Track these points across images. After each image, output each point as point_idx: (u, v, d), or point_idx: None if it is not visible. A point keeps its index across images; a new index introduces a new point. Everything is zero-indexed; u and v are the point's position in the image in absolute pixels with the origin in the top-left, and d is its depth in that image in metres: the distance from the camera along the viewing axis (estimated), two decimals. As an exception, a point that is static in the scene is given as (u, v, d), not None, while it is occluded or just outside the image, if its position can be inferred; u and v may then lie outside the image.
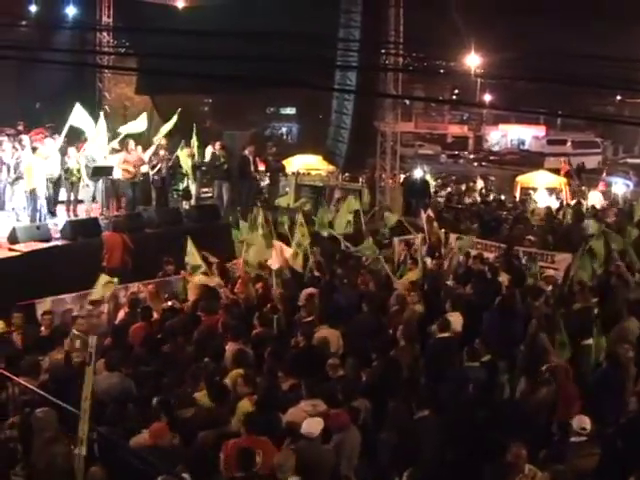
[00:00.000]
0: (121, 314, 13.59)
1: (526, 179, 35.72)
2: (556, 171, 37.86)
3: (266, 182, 25.77)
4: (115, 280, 14.14)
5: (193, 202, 22.60)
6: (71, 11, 32.50)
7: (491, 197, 32.62)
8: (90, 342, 7.17)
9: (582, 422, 8.12)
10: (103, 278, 14.04)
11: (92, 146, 20.58)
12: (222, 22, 26.81)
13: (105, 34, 29.50)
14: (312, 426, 7.91)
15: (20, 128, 25.47)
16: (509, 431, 8.21)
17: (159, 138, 21.97)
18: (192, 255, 15.19)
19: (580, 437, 8.07)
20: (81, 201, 20.69)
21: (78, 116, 20.44)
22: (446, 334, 11.27)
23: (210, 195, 23.47)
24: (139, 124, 21.95)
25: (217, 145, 22.74)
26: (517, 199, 32.17)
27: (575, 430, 8.09)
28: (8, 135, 23.87)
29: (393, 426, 8.62)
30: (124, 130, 21.68)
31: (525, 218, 25.12)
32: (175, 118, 22.25)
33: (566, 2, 39.81)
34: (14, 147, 20.17)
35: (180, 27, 25.10)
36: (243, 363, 10.04)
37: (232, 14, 29.64)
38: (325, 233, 18.62)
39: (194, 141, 22.65)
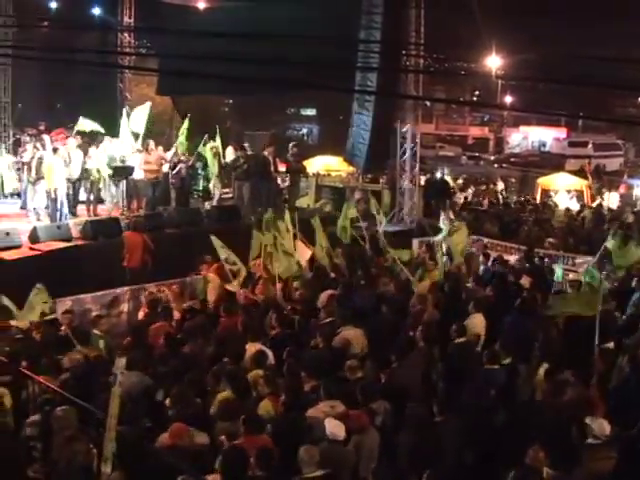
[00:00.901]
0: (141, 314, 13.65)
1: (547, 181, 35.58)
2: (582, 170, 37.71)
3: (286, 183, 25.75)
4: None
5: (214, 202, 22.63)
6: (96, 12, 32.71)
7: (512, 199, 32.50)
8: (117, 364, 7.11)
9: (601, 426, 8.03)
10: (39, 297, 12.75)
11: (112, 146, 20.77)
12: (243, 23, 26.84)
13: (126, 35, 29.62)
14: (338, 428, 7.92)
15: (41, 128, 25.69)
16: (529, 434, 8.14)
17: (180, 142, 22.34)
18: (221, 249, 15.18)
19: (596, 440, 7.98)
20: (101, 201, 20.80)
21: (85, 124, 21.17)
22: (463, 338, 11.22)
23: (230, 195, 23.49)
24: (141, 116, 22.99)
25: (237, 145, 22.78)
26: (538, 201, 31.99)
27: (594, 434, 8.00)
28: (30, 135, 24.13)
29: (412, 428, 8.58)
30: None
31: (545, 220, 25.01)
32: (186, 123, 22.65)
33: (588, 3, 39.57)
34: (35, 147, 20.32)
35: (201, 28, 25.12)
36: (263, 364, 10.05)
37: (253, 15, 29.67)
38: (346, 234, 18.37)
39: (218, 142, 22.72)
